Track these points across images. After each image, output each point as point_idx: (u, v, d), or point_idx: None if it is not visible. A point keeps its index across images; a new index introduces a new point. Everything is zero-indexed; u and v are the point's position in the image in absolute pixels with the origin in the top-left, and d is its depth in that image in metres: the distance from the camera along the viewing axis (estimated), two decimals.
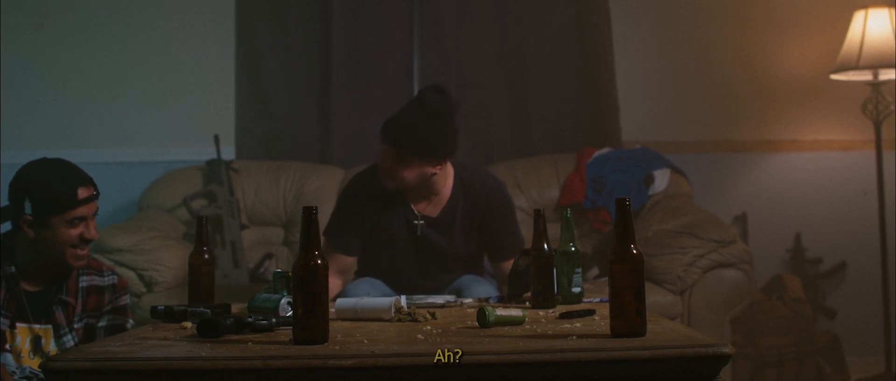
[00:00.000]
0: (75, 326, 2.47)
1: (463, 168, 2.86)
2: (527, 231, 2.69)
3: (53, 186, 2.33)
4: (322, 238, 2.32)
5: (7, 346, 2.35)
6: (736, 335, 3.68)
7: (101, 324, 2.52)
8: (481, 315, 1.93)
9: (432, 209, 2.83)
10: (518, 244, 2.82)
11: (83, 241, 2.39)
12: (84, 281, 2.50)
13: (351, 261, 2.89)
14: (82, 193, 2.35)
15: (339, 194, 3.11)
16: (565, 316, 2.05)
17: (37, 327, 2.41)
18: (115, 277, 2.59)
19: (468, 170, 2.87)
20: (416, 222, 2.81)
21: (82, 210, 2.35)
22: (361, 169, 3.03)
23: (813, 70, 4.17)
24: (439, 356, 1.56)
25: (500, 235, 2.87)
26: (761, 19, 4.27)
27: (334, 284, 2.72)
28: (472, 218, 2.83)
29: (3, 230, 2.46)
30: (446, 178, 2.82)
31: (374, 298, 2.30)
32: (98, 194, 2.42)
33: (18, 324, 2.38)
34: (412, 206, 2.83)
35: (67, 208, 2.33)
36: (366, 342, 1.73)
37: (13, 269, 2.38)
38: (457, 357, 1.55)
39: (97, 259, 2.64)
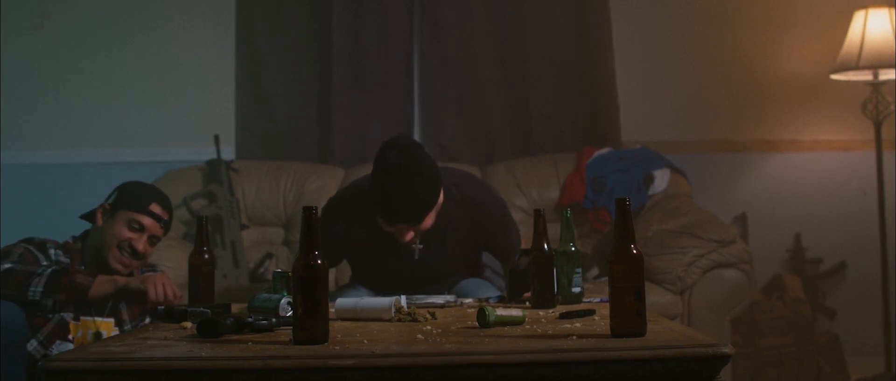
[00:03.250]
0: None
1: (452, 183, 2.74)
2: (527, 231, 2.67)
3: (138, 189, 2.67)
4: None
5: (70, 336, 2.50)
6: (736, 335, 3.68)
7: None
8: (481, 315, 1.93)
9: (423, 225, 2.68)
10: (519, 241, 2.77)
11: (132, 250, 2.59)
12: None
13: None
14: (155, 208, 2.63)
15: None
16: (565, 316, 2.05)
17: (99, 320, 2.55)
18: None
19: (458, 183, 2.76)
20: (413, 246, 2.69)
21: (145, 219, 2.60)
22: (342, 190, 2.90)
23: (813, 70, 4.17)
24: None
25: (503, 239, 2.80)
26: (761, 19, 4.27)
27: None
28: (465, 226, 2.74)
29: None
30: None
31: (374, 298, 2.29)
32: (168, 222, 2.67)
33: (83, 318, 2.53)
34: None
35: (135, 210, 2.60)
36: (366, 342, 1.73)
37: (67, 262, 2.57)
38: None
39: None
